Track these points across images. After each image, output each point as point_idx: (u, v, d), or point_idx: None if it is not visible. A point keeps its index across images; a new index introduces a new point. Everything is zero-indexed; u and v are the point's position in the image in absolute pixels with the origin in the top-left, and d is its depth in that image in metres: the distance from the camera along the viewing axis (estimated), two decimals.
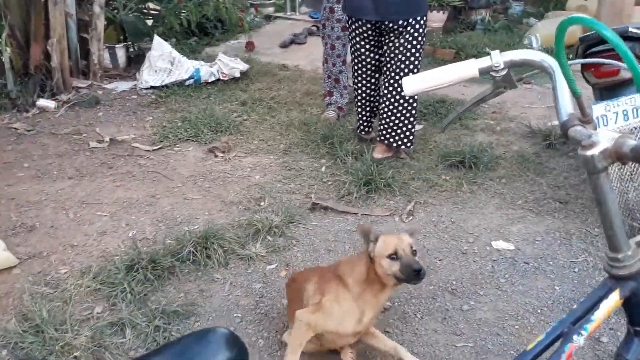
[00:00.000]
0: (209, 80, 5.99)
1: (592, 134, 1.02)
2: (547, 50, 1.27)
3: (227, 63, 6.04)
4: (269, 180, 4.02)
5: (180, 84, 5.93)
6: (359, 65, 4.22)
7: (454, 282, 2.88)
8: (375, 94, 4.35)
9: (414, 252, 2.03)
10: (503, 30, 7.82)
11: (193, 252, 3.04)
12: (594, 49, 2.95)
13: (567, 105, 1.11)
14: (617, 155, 0.98)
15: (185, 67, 5.93)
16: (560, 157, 4.18)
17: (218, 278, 2.96)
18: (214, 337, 0.95)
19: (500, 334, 2.54)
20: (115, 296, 2.75)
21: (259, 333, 2.57)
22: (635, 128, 2.85)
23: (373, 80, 4.27)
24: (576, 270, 2.94)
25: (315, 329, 2.15)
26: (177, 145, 4.65)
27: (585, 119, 1.10)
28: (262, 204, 3.68)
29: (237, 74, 6.08)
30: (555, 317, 2.61)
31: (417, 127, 4.63)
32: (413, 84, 1.24)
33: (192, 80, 5.93)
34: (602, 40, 2.95)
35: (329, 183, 3.94)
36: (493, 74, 1.22)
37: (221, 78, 6.02)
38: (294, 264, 3.06)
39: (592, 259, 3.01)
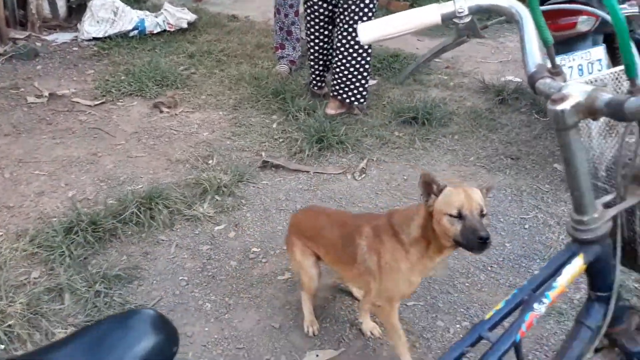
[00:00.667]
0: (155, 32, 5.72)
1: (562, 86, 0.94)
2: None
3: (173, 13, 5.77)
4: (218, 137, 3.87)
5: (124, 35, 5.63)
6: (312, 16, 4.06)
7: None
8: (329, 47, 4.21)
9: (482, 215, 1.67)
10: None
11: (136, 213, 2.91)
12: (551, 1, 2.88)
13: (535, 55, 1.03)
14: (590, 111, 0.90)
15: (129, 18, 5.63)
16: (513, 113, 4.16)
17: (163, 240, 2.84)
18: (138, 320, 0.85)
19: (451, 292, 2.53)
20: (53, 260, 2.61)
21: (206, 297, 2.49)
22: (590, 82, 2.82)
23: (326, 33, 4.13)
24: (526, 227, 2.94)
25: (395, 301, 2.00)
26: (121, 100, 4.43)
27: (555, 70, 1.02)
28: (210, 162, 3.54)
29: (184, 25, 5.82)
30: (505, 275, 2.61)
31: (371, 82, 4.53)
32: (369, 32, 1.14)
33: (136, 31, 5.64)
34: None
35: (281, 140, 3.83)
36: (456, 20, 1.13)
37: (167, 29, 5.76)
38: (243, 225, 2.97)
39: (543, 216, 3.01)
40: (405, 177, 3.39)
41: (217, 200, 3.14)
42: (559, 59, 2.90)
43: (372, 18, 3.85)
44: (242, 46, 5.57)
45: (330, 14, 4.03)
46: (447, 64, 5.17)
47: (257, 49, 5.52)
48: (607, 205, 1.05)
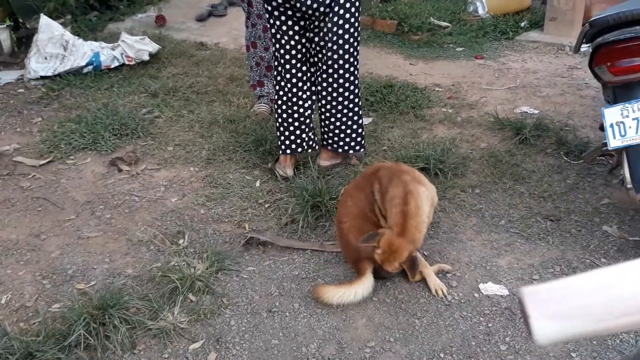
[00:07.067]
0: (112, 66, 4.98)
1: None
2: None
3: (132, 45, 5.03)
4: (189, 204, 3.17)
5: (76, 71, 4.89)
6: (282, 50, 3.28)
7: (442, 355, 2.17)
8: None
9: None
10: None
11: (85, 334, 2.20)
12: (608, 37, 2.24)
13: None
14: None
15: (81, 52, 4.89)
16: (538, 155, 3.53)
17: None
18: None
19: None
20: None
21: None
22: None
23: (304, 70, 3.39)
24: None
25: None
26: (71, 157, 3.70)
27: None
28: (180, 241, 2.84)
29: (146, 57, 5.09)
30: None
31: (366, 121, 3.88)
32: (550, 329, 0.54)
33: (90, 67, 4.91)
34: (621, 24, 2.26)
35: (267, 205, 3.14)
36: None
37: (126, 62, 5.02)
38: (226, 339, 2.26)
39: None
40: (425, 253, 2.72)
41: (190, 301, 2.44)
42: (619, 109, 2.28)
43: (355, 54, 3.17)
44: (213, 80, 4.86)
45: (305, 50, 3.30)
46: (448, 93, 4.53)
47: (230, 82, 4.83)
48: None
